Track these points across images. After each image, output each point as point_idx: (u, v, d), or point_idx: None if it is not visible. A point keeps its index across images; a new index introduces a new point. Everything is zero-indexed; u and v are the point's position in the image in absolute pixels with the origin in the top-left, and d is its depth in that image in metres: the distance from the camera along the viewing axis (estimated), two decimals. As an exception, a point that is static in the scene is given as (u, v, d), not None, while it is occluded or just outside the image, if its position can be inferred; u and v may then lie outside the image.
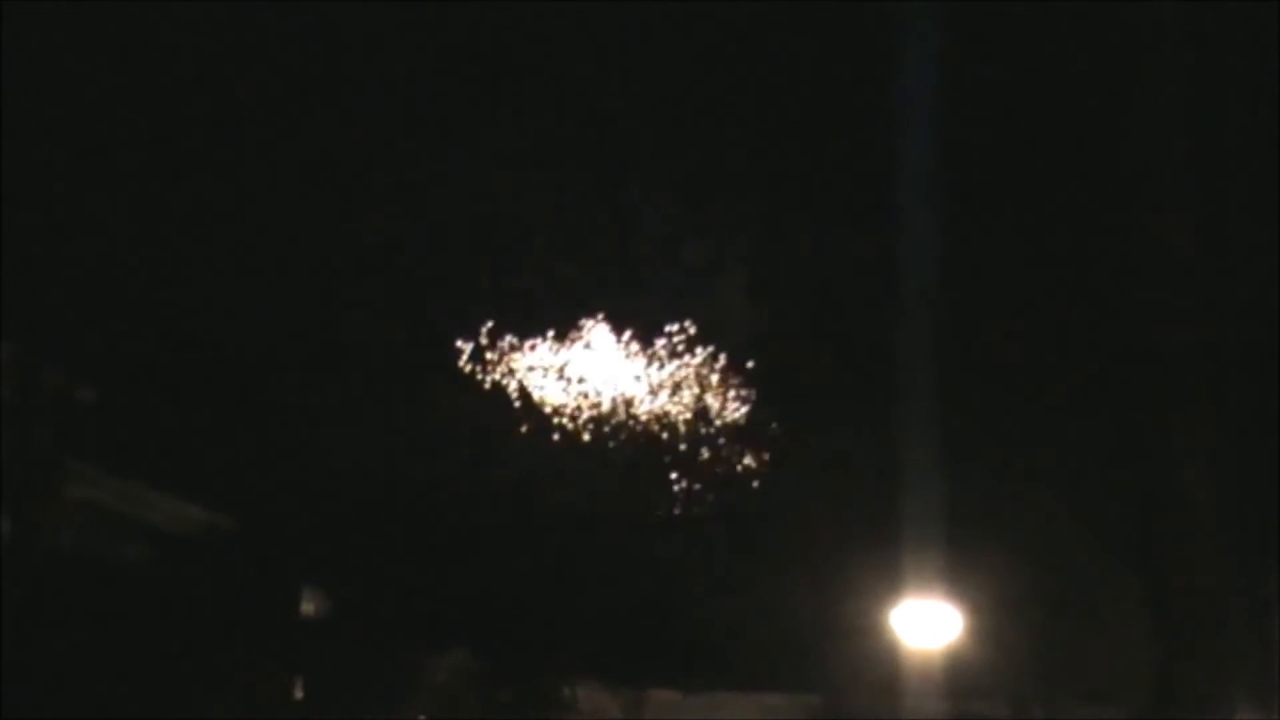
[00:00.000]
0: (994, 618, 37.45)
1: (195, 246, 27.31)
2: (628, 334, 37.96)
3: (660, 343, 37.81)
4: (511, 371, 37.25)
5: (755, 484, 38.57)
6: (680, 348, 37.88)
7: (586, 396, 37.49)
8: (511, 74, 29.65)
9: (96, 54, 25.62)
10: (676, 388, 38.05)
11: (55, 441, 26.48)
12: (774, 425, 36.90)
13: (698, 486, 38.49)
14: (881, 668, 39.51)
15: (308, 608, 28.40)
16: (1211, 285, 16.17)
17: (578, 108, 30.62)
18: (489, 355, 35.78)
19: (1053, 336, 30.31)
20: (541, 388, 37.46)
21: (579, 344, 37.66)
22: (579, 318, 36.56)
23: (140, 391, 29.68)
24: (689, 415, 38.51)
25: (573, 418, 37.40)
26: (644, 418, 37.81)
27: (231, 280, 28.06)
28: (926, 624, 35.78)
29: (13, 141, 25.23)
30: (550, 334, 36.71)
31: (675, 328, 37.15)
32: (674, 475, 38.17)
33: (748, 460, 38.10)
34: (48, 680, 23.89)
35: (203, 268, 27.58)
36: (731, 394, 37.51)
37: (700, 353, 37.75)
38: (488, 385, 36.63)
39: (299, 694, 27.27)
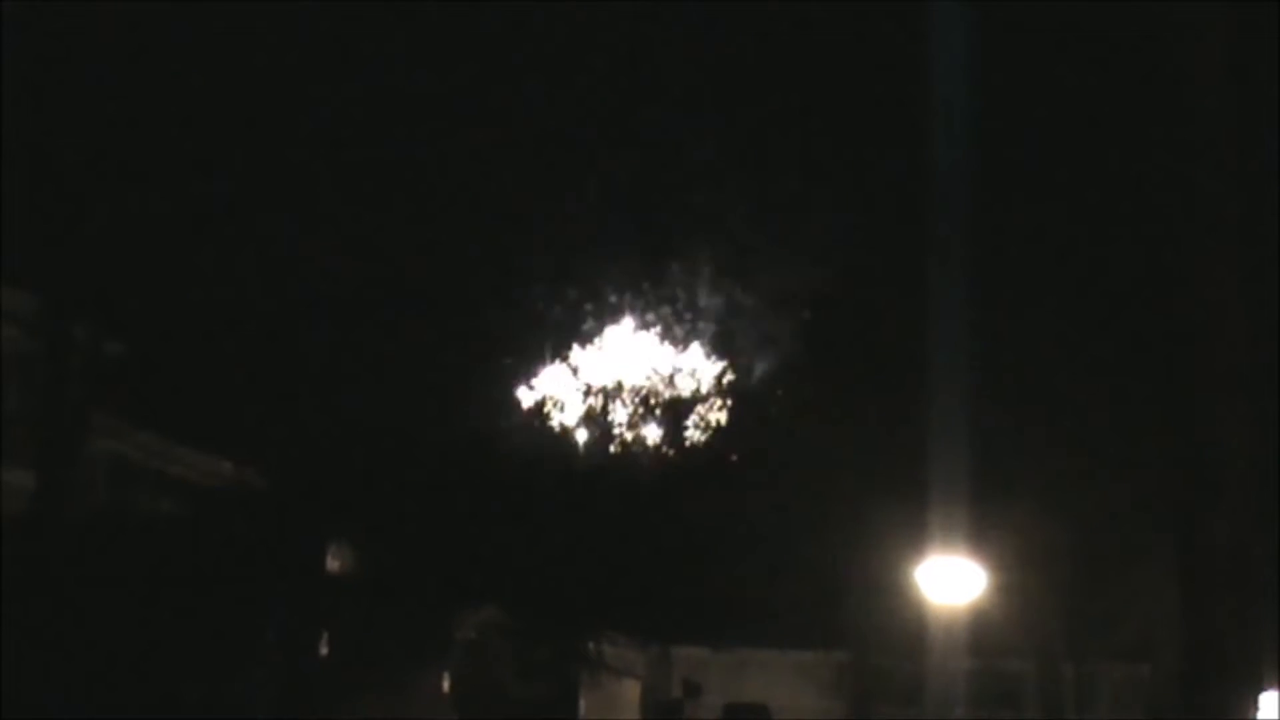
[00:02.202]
0: (1020, 575, 37.46)
1: (227, 204, 27.32)
2: (662, 298, 37.98)
3: (692, 306, 37.83)
4: (546, 334, 37.26)
5: (782, 444, 38.60)
6: (712, 311, 37.88)
7: (619, 359, 37.49)
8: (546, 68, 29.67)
9: (137, 40, 25.63)
10: (706, 351, 38.04)
11: (84, 396, 26.52)
12: (801, 385, 36.89)
13: (724, 447, 38.51)
14: (908, 625, 39.59)
15: (334, 564, 28.45)
16: (1256, 246, 16.13)
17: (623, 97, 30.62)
18: (523, 320, 35.76)
19: (1084, 293, 30.25)
20: (576, 350, 37.50)
21: (611, 307, 37.66)
22: (613, 283, 36.53)
23: (169, 347, 29.73)
24: (716, 377, 38.53)
25: (604, 379, 37.41)
26: (673, 380, 37.82)
27: (261, 237, 28.06)
28: (952, 581, 35.76)
29: (51, 111, 25.28)
30: (585, 299, 36.70)
31: (704, 291, 37.16)
32: (701, 436, 38.19)
33: (775, 420, 38.10)
34: (76, 631, 23.99)
35: (233, 225, 27.58)
36: (760, 355, 37.50)
37: (732, 315, 37.74)
38: (521, 348, 36.66)
39: (325, 649, 27.34)
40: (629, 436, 36.86)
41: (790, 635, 47.30)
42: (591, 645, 34.84)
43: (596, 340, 36.93)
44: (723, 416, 38.17)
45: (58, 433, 25.78)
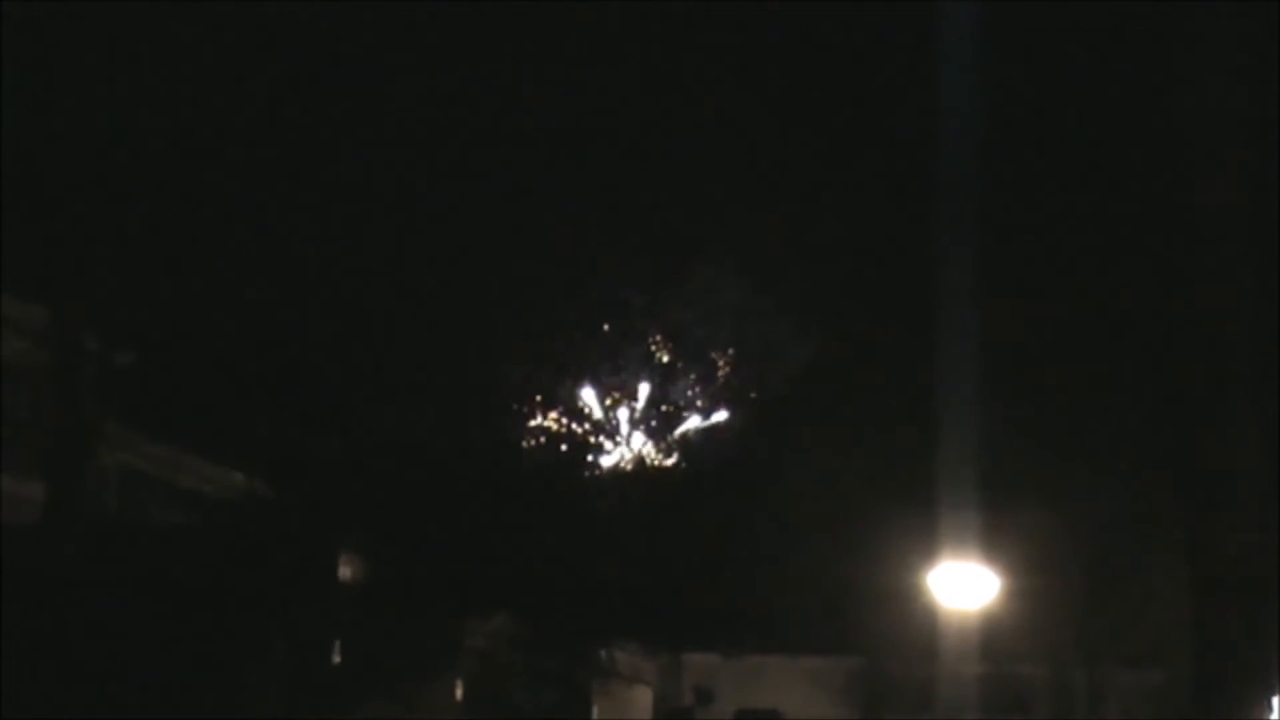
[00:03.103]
0: (1032, 580, 37.41)
1: (238, 215, 27.33)
2: (674, 308, 38.05)
3: (705, 316, 37.90)
4: (552, 343, 37.31)
5: (794, 451, 38.60)
6: (724, 321, 37.93)
7: (627, 367, 37.56)
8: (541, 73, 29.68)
9: (149, 48, 25.61)
10: (715, 361, 38.09)
11: (95, 407, 26.52)
12: (813, 393, 36.88)
13: (736, 454, 38.53)
14: (919, 630, 39.54)
15: (345, 573, 28.45)
16: (1260, 251, 16.11)
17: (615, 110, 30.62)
18: (529, 328, 35.80)
19: (1094, 300, 30.19)
20: (583, 357, 37.56)
21: (618, 316, 37.72)
22: (620, 290, 36.59)
23: (180, 358, 29.74)
24: (727, 384, 38.55)
25: (613, 389, 37.46)
26: (684, 389, 37.86)
27: (273, 249, 28.08)
28: (964, 586, 35.66)
29: (59, 121, 25.25)
30: (598, 310, 36.78)
31: (717, 301, 37.21)
32: (712, 443, 38.21)
33: (787, 428, 38.11)
34: (87, 640, 24.02)
35: (244, 236, 27.59)
36: (771, 363, 37.53)
37: (740, 323, 37.77)
38: (529, 357, 36.73)
39: (336, 658, 27.33)
40: (641, 445, 36.90)
41: (802, 641, 47.21)
42: (603, 653, 34.82)
43: (608, 351, 36.99)
44: (734, 425, 38.21)
45: (68, 443, 25.78)
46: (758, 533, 36.85)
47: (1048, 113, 26.71)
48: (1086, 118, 26.03)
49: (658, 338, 38.37)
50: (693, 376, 39.01)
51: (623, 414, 38.27)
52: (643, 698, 43.86)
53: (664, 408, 38.58)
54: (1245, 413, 15.98)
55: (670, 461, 38.14)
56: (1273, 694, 17.02)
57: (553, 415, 37.41)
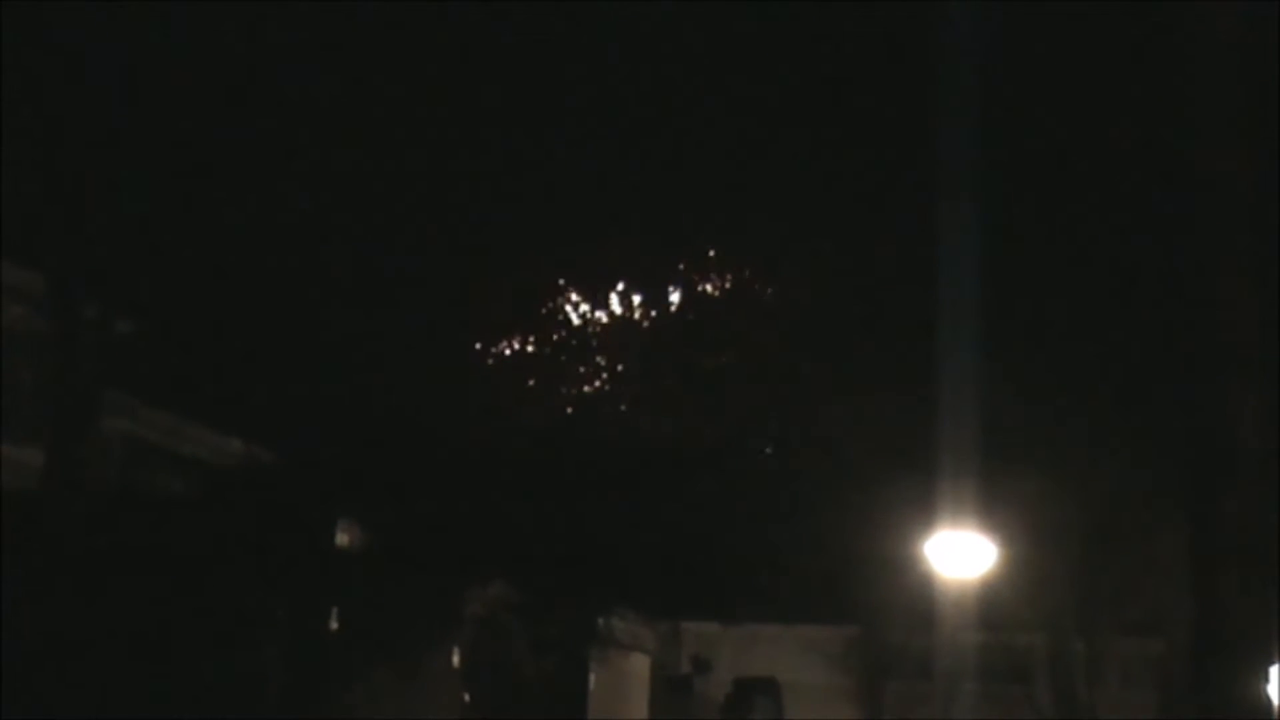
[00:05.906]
0: (1031, 549, 37.42)
1: (237, 181, 27.28)
2: (668, 269, 37.93)
3: (699, 277, 37.74)
4: (551, 306, 37.23)
5: (791, 419, 38.57)
6: (718, 282, 37.79)
7: (625, 332, 37.44)
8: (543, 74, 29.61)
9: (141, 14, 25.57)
10: (716, 324, 37.94)
11: (94, 374, 26.51)
12: (809, 360, 36.84)
13: (734, 422, 38.47)
14: (918, 599, 39.57)
15: (343, 540, 28.48)
16: (1264, 223, 16.13)
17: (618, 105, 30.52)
18: (526, 291, 35.72)
19: (1097, 268, 30.20)
20: (581, 322, 37.46)
21: (618, 278, 37.62)
22: (621, 252, 36.46)
23: (179, 325, 29.75)
24: (725, 352, 38.46)
25: (611, 353, 37.37)
26: (682, 354, 37.76)
27: (273, 215, 28.03)
28: (962, 555, 35.63)
29: (56, 88, 25.25)
30: (591, 270, 36.65)
31: (713, 262, 37.07)
32: (711, 411, 38.15)
33: (784, 395, 38.07)
34: (85, 608, 24.05)
35: (244, 202, 27.55)
36: (769, 331, 37.43)
37: (739, 288, 37.65)
38: (527, 320, 36.66)
39: (334, 625, 27.37)
40: (639, 412, 36.85)
41: (800, 610, 47.32)
42: (601, 621, 34.88)
43: (605, 316, 36.91)
44: (732, 391, 38.11)
45: (68, 410, 25.78)
46: (756, 501, 36.83)
47: (1059, 87, 26.71)
48: (1098, 93, 26.04)
49: (655, 306, 38.31)
50: (688, 345, 38.94)
51: (620, 385, 38.19)
52: (641, 666, 43.95)
53: (663, 375, 38.51)
54: (1246, 381, 15.97)
55: (667, 429, 38.06)
56: (1272, 663, 17.03)
57: (550, 381, 37.34)
